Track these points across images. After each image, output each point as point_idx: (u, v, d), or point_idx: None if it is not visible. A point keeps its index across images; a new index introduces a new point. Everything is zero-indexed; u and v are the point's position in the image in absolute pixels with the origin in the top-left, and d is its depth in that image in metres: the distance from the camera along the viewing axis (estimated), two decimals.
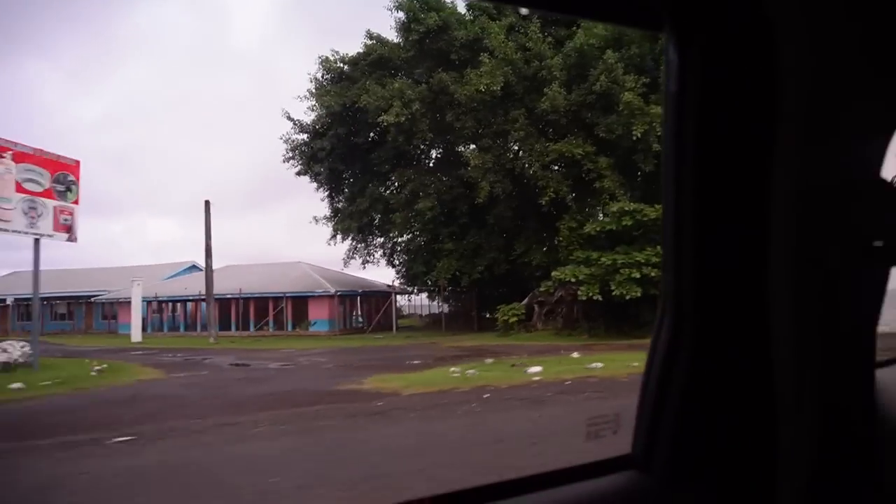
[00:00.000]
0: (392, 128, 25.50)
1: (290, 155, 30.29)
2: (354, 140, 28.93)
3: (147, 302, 34.86)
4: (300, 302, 33.43)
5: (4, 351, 13.53)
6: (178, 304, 37.84)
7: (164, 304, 37.22)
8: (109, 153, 45.48)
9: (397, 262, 33.62)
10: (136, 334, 30.10)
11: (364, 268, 32.82)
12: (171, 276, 41.53)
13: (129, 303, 32.37)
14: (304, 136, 30.15)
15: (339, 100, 27.73)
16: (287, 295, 33.42)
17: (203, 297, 31.58)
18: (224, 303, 33.02)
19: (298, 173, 30.55)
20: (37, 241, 15.86)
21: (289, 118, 30.03)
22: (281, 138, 30.19)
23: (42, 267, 16.85)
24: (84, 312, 39.04)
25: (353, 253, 31.90)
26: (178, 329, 36.84)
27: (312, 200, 46.78)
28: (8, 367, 13.09)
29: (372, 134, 28.76)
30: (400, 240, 32.35)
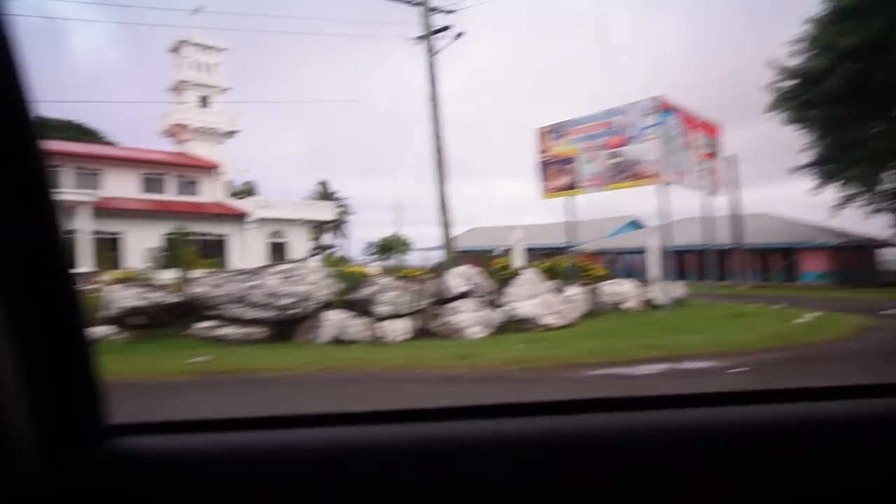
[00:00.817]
0: None
1: (778, 103, 29.87)
2: (867, 80, 26.90)
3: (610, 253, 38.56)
4: (786, 253, 33.25)
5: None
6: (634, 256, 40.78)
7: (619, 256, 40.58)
8: (460, 122, 50.04)
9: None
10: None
11: (869, 217, 30.70)
12: (616, 232, 45.15)
13: (600, 254, 36.39)
14: (795, 82, 29.30)
15: (850, 38, 26.00)
16: (778, 246, 33.58)
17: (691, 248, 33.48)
18: (678, 255, 34.53)
19: (789, 121, 29.96)
20: (706, 197, 19.06)
21: (776, 66, 29.53)
22: (768, 89, 30.05)
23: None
24: None
25: (849, 201, 30.09)
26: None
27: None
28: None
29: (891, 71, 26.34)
30: None
